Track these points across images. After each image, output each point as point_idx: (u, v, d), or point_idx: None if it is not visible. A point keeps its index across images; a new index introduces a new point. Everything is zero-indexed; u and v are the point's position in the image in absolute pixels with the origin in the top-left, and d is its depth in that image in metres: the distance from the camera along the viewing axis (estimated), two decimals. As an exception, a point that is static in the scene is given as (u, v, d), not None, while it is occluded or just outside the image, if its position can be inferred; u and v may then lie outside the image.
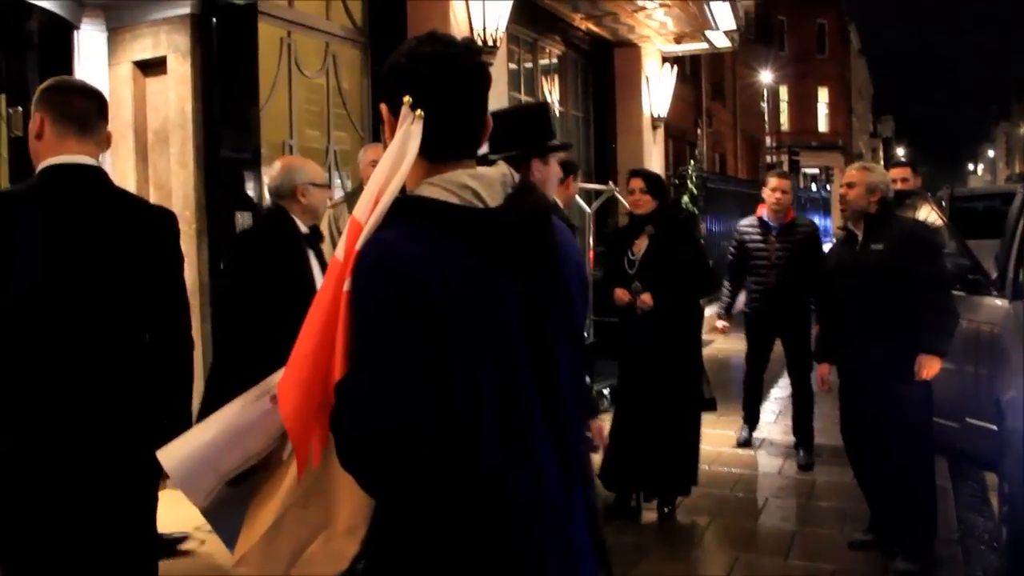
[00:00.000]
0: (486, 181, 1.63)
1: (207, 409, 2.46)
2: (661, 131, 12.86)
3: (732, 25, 11.79)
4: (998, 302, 5.07)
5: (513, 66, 9.92)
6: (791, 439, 6.38)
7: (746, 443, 6.61)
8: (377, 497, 1.60)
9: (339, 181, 7.30)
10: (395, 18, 7.47)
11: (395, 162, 1.60)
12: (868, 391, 4.33)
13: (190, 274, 5.23)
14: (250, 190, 5.70)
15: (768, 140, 34.92)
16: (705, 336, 6.15)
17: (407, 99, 1.60)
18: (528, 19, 9.79)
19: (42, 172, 2.47)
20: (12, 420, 2.35)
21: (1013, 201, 5.93)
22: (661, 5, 10.54)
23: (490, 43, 7.40)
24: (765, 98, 34.04)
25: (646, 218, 4.97)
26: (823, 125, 43.87)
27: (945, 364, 4.24)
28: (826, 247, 6.01)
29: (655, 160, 12.39)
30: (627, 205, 5.40)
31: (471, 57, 1.70)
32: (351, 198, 5.27)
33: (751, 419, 6.74)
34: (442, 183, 1.60)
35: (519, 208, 1.64)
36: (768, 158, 33.99)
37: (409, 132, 1.59)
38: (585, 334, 1.92)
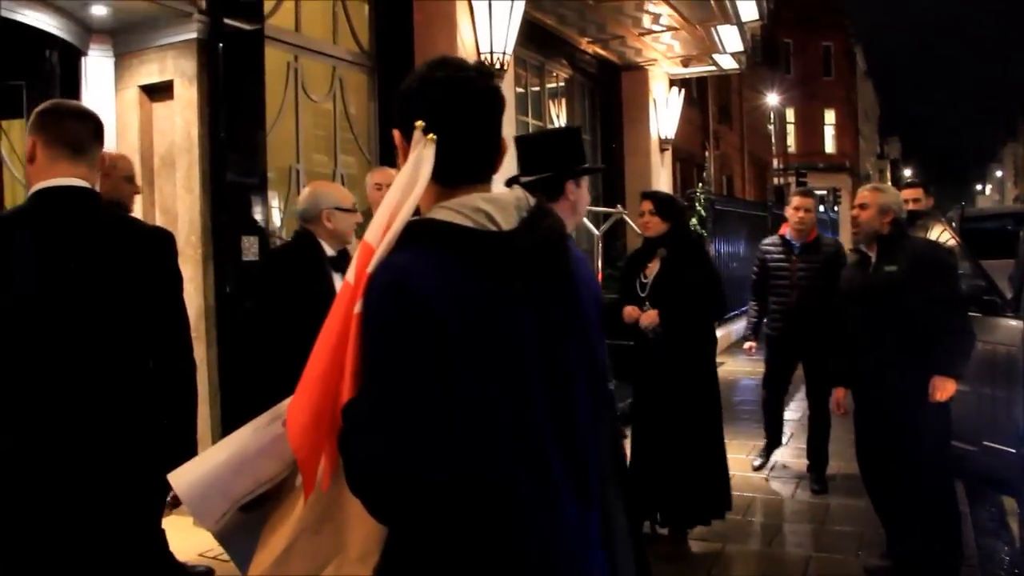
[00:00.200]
0: (500, 204, 1.62)
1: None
2: (669, 154, 12.84)
3: (739, 47, 11.79)
4: (1014, 323, 5.01)
5: (520, 90, 9.93)
6: (804, 462, 6.28)
7: (761, 468, 6.50)
8: (386, 522, 1.59)
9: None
10: (402, 42, 7.47)
11: (407, 186, 1.60)
12: (884, 415, 4.25)
13: (196, 299, 5.22)
14: (257, 215, 5.67)
15: (775, 162, 34.90)
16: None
17: (419, 124, 1.60)
18: (535, 43, 9.81)
19: (33, 196, 2.43)
20: (11, 446, 2.30)
21: (1025, 221, 5.88)
22: (668, 28, 10.55)
23: (497, 67, 7.39)
24: (772, 120, 34.05)
25: (659, 241, 4.91)
26: (830, 147, 43.85)
27: (961, 386, 4.17)
28: None
29: (663, 182, 12.36)
30: (636, 228, 5.35)
31: (483, 81, 1.69)
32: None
33: (772, 444, 6.59)
34: (455, 206, 1.59)
35: (534, 232, 1.63)
36: (775, 180, 33.96)
37: (422, 156, 1.59)
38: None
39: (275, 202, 6.60)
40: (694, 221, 12.20)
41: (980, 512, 5.72)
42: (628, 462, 4.62)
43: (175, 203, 5.56)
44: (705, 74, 14.29)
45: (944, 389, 4.06)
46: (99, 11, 5.32)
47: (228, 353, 5.25)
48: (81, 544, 2.36)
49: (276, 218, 6.60)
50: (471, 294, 1.54)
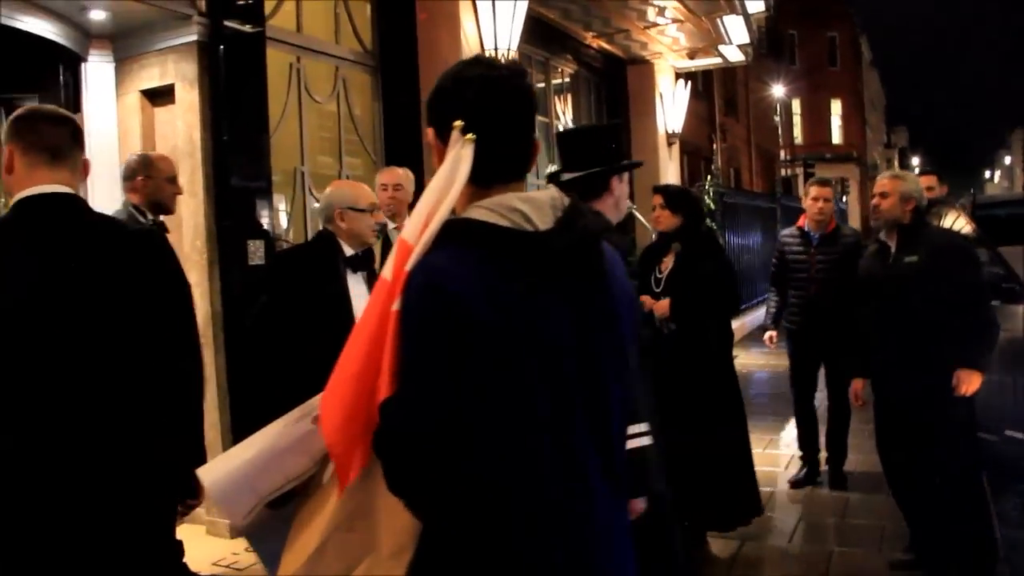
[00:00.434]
0: (536, 204, 1.63)
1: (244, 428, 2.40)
2: (676, 147, 12.77)
3: (746, 39, 11.71)
4: (1034, 310, 4.92)
5: (525, 86, 9.84)
6: (822, 456, 6.15)
7: (799, 484, 5.98)
8: (425, 518, 1.62)
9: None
10: (405, 40, 7.40)
11: (445, 185, 1.61)
12: (906, 407, 4.16)
13: (202, 304, 5.15)
14: (262, 218, 5.61)
15: (782, 153, 34.76)
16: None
17: (458, 123, 1.62)
18: (540, 38, 9.73)
19: (15, 206, 2.36)
20: (10, 452, 2.24)
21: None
22: (674, 21, 10.46)
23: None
24: (778, 112, 33.91)
25: (672, 235, 4.81)
26: (837, 137, 43.70)
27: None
28: None
29: (671, 176, 12.29)
30: (645, 223, 5.25)
31: (517, 79, 1.71)
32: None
33: (810, 457, 6.10)
34: (492, 206, 1.61)
35: (570, 232, 1.64)
36: (783, 171, 33.82)
37: (460, 155, 1.61)
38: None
39: (281, 205, 6.54)
40: (705, 215, 12.14)
41: (1003, 503, 5.62)
42: None
43: (179, 208, 5.47)
44: (711, 67, 14.18)
45: (969, 382, 3.95)
46: (98, 16, 5.26)
47: (236, 358, 5.19)
48: (82, 551, 2.30)
49: (282, 221, 6.54)
50: (508, 293, 1.55)
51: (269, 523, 2.12)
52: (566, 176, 2.92)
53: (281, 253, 5.49)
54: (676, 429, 4.69)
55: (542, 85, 10.48)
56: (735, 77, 25.59)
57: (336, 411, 1.67)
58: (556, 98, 10.95)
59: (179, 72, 5.40)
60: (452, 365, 1.51)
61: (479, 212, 1.61)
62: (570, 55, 10.94)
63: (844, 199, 30.50)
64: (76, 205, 2.43)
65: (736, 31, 11.40)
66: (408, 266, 1.58)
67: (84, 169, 2.51)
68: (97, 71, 5.61)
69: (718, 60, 12.80)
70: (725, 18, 10.85)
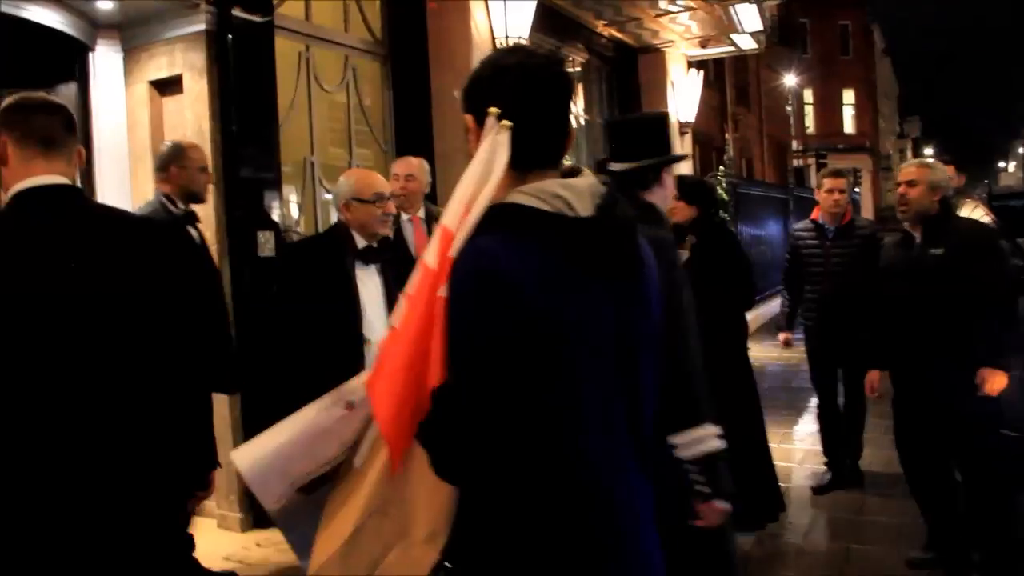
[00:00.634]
0: (576, 191, 1.64)
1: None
2: (689, 137, 12.66)
3: (758, 26, 11.59)
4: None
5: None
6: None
7: (824, 490, 5.73)
8: (472, 501, 1.64)
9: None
10: (414, 28, 7.34)
11: (483, 171, 1.63)
12: (928, 403, 4.07)
13: (211, 296, 5.10)
14: (272, 209, 5.56)
15: (795, 143, 34.56)
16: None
17: (494, 110, 1.64)
18: (550, 27, 9.63)
19: (13, 199, 2.29)
20: (19, 451, 2.18)
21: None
22: (686, 8, 10.36)
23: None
24: (790, 101, 33.72)
25: (687, 227, 4.70)
26: (849, 127, 43.45)
27: (1004, 371, 3.98)
28: None
29: (684, 167, 12.18)
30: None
31: (554, 67, 1.73)
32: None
33: (835, 461, 5.84)
34: (533, 191, 1.62)
35: (610, 218, 1.66)
36: (795, 162, 33.64)
37: (497, 142, 1.63)
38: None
39: (292, 196, 6.48)
40: (718, 205, 12.04)
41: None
42: None
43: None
44: (723, 55, 14.07)
45: (994, 381, 3.85)
46: (105, 5, 5.21)
47: (246, 349, 5.14)
48: (93, 545, 2.24)
49: (293, 212, 6.49)
50: (555, 278, 1.57)
51: (300, 508, 2.14)
52: (619, 166, 2.89)
53: (291, 245, 5.46)
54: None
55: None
56: (747, 66, 25.44)
57: (387, 400, 1.68)
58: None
59: (187, 62, 5.35)
60: (503, 350, 1.52)
61: (520, 197, 1.62)
62: (581, 44, 10.83)
63: (857, 190, 30.30)
64: (75, 196, 2.37)
65: (748, 19, 11.27)
66: (452, 252, 1.58)
67: (79, 158, 2.44)
68: (105, 61, 5.56)
69: (731, 48, 12.69)
70: (737, 6, 10.73)
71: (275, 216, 5.57)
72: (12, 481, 2.17)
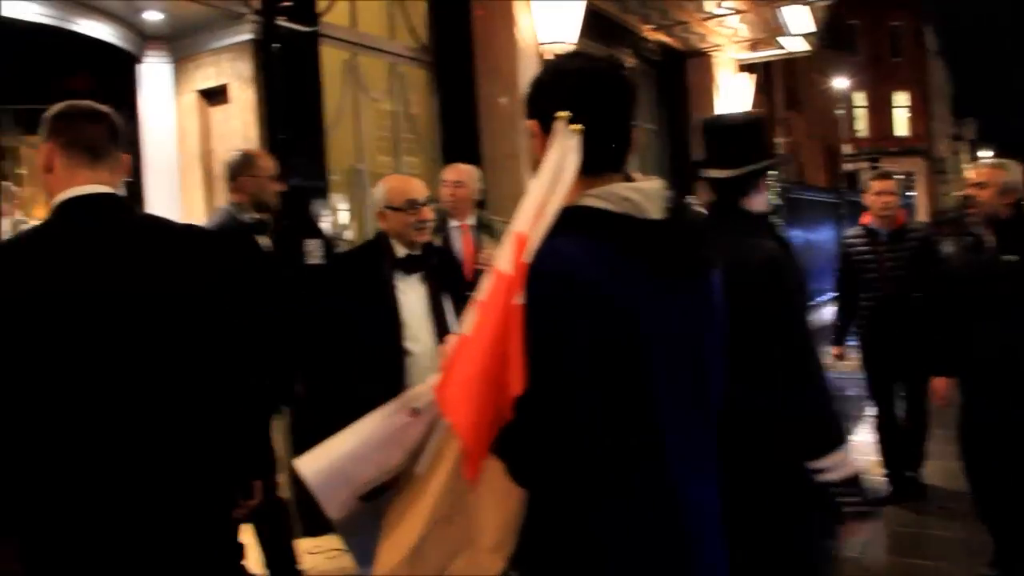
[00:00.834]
0: (646, 194, 1.65)
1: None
2: (738, 142, 12.49)
3: (808, 28, 11.41)
4: None
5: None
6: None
7: (883, 503, 5.44)
8: (542, 507, 1.63)
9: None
10: (460, 35, 7.30)
11: (554, 175, 1.63)
12: (1003, 419, 3.85)
13: (260, 305, 5.10)
14: (320, 217, 5.55)
15: (845, 147, 34.08)
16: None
17: (564, 114, 1.64)
18: (597, 32, 9.55)
19: (56, 208, 2.28)
20: (72, 466, 2.16)
21: None
22: (735, 12, 10.24)
23: (559, 58, 7.18)
24: (841, 104, 33.27)
25: None
26: (902, 130, 42.74)
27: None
28: None
29: (733, 171, 12.02)
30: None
31: (617, 71, 1.75)
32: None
33: (896, 475, 5.65)
34: (603, 195, 1.63)
35: (682, 222, 1.68)
36: (846, 166, 33.19)
37: (567, 146, 1.63)
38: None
39: (340, 204, 6.48)
40: (766, 209, 11.86)
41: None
42: None
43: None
44: (773, 58, 13.89)
45: None
46: (153, 17, 5.26)
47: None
48: (145, 552, 2.23)
49: (342, 220, 6.48)
50: (629, 279, 1.57)
51: (361, 516, 2.15)
52: (720, 173, 2.71)
53: (337, 255, 5.44)
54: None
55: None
56: (796, 69, 25.13)
57: (464, 408, 1.65)
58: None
59: (234, 71, 5.38)
60: (585, 352, 1.52)
61: (592, 201, 1.63)
62: (628, 48, 10.73)
63: (910, 193, 29.84)
64: (118, 205, 2.34)
65: (797, 20, 11.10)
66: (526, 257, 1.57)
67: (124, 166, 2.42)
68: (153, 72, 5.61)
69: (779, 51, 12.52)
70: (786, 8, 10.57)
71: (323, 224, 5.56)
72: (61, 489, 2.15)
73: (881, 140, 39.73)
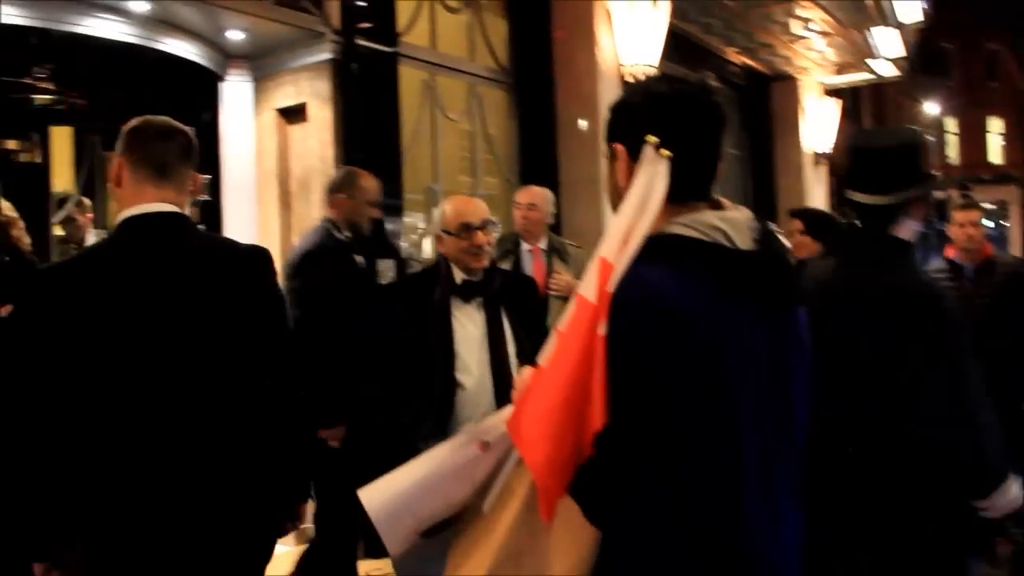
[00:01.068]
0: (734, 224, 1.60)
1: None
2: (824, 168, 12.21)
3: (898, 52, 11.10)
4: None
5: (664, 104, 9.56)
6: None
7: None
8: (618, 548, 1.56)
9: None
10: (541, 57, 7.25)
11: (641, 201, 1.58)
12: None
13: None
14: (393, 237, 5.54)
15: (936, 174, 33.20)
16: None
17: (653, 138, 1.59)
18: (679, 54, 9.43)
19: (119, 226, 2.28)
20: (122, 481, 2.17)
21: None
22: (822, 34, 10.00)
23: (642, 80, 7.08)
24: (931, 131, 32.45)
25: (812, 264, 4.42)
26: (996, 157, 41.47)
27: None
28: None
29: (818, 199, 11.76)
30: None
31: (709, 96, 1.68)
32: (500, 242, 5.06)
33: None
34: (691, 223, 1.57)
35: (770, 253, 1.62)
36: (936, 194, 32.32)
37: (655, 172, 1.58)
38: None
39: (420, 224, 6.47)
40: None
41: None
42: None
43: (310, 226, 5.47)
44: (861, 82, 13.55)
45: None
46: (235, 36, 5.32)
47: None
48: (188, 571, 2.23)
49: (415, 240, 6.47)
50: (717, 309, 1.51)
51: (421, 552, 2.09)
52: (867, 198, 2.56)
53: (399, 278, 5.38)
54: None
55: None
56: (885, 94, 24.60)
57: (541, 444, 1.58)
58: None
59: (313, 90, 5.41)
60: (678, 388, 1.46)
61: (679, 228, 1.57)
62: (711, 71, 10.57)
63: (1004, 223, 28.84)
64: (180, 224, 2.33)
65: (887, 44, 10.81)
66: (610, 286, 1.51)
67: (194, 185, 2.41)
68: (235, 90, 5.68)
69: (869, 75, 12.20)
70: (875, 30, 10.29)
71: (397, 244, 5.55)
72: (122, 496, 2.17)
73: (973, 167, 38.57)
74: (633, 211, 1.58)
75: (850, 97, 18.31)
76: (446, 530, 2.03)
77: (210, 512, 2.22)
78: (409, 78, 6.11)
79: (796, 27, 9.77)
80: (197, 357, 2.20)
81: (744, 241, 1.59)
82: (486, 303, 3.21)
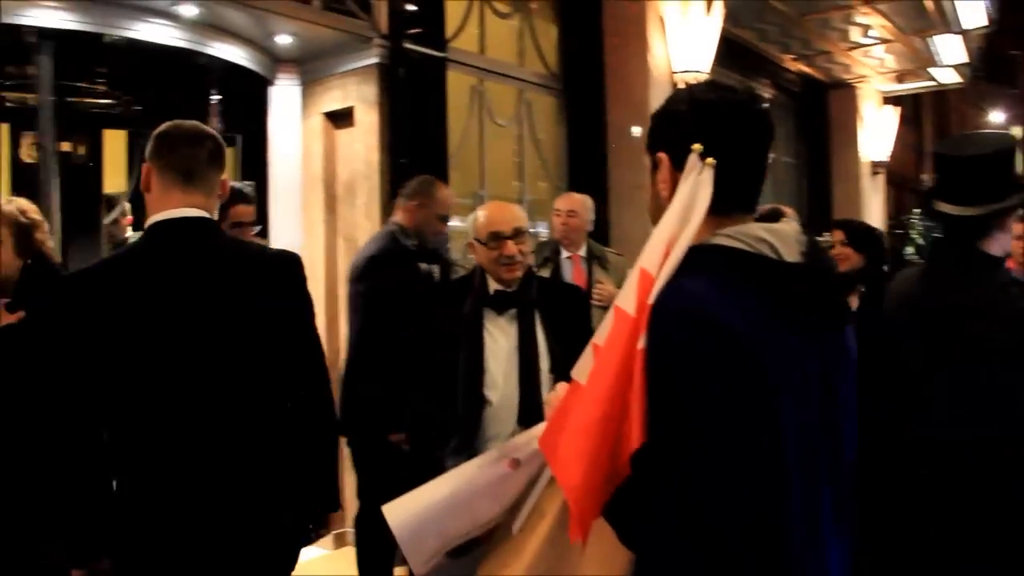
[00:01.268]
0: (781, 236, 1.55)
1: None
2: (882, 178, 11.98)
3: (961, 58, 10.84)
4: None
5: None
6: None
7: None
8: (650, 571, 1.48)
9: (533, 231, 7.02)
10: (591, 62, 7.18)
11: (684, 211, 1.53)
12: None
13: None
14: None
15: None
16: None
17: (697, 147, 1.54)
18: (733, 61, 9.30)
19: (147, 231, 2.29)
20: (149, 488, 2.18)
21: None
22: (882, 41, 9.80)
23: (693, 86, 6.97)
24: (996, 140, 31.69)
25: (854, 276, 4.33)
26: (1063, 168, 40.48)
27: None
28: None
29: (875, 209, 11.53)
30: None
31: (756, 104, 1.64)
32: (540, 249, 5.02)
33: None
34: (736, 234, 1.53)
35: (818, 267, 1.57)
36: (1000, 204, 31.58)
37: (700, 181, 1.53)
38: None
39: (463, 229, 6.44)
40: (910, 249, 11.29)
41: None
42: None
43: (355, 231, 5.49)
44: (922, 90, 13.29)
45: None
46: (284, 40, 5.34)
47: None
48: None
49: (461, 247, 6.44)
50: (762, 323, 1.45)
51: (448, 572, 2.05)
52: (963, 211, 2.42)
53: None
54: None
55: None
56: (947, 102, 24.08)
57: (576, 464, 1.51)
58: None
59: (360, 94, 5.42)
60: (722, 404, 1.38)
61: (724, 240, 1.52)
62: (766, 79, 10.42)
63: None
64: (207, 229, 2.32)
65: (950, 51, 10.55)
66: (651, 299, 1.45)
67: (223, 190, 2.40)
68: (283, 94, 5.71)
69: (930, 83, 11.96)
70: (937, 37, 10.04)
71: (446, 250, 5.52)
72: (150, 506, 2.17)
73: (1039, 178, 37.67)
74: (676, 221, 1.53)
75: (910, 104, 17.97)
76: (474, 550, 1.99)
77: (236, 518, 2.21)
78: (457, 83, 6.09)
79: (855, 34, 9.59)
80: (223, 363, 2.20)
81: (791, 254, 1.53)
82: (520, 314, 3.07)
